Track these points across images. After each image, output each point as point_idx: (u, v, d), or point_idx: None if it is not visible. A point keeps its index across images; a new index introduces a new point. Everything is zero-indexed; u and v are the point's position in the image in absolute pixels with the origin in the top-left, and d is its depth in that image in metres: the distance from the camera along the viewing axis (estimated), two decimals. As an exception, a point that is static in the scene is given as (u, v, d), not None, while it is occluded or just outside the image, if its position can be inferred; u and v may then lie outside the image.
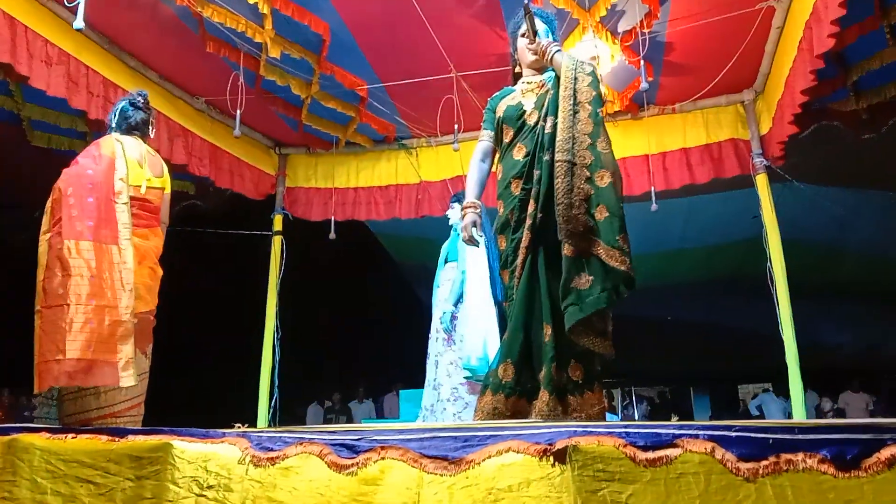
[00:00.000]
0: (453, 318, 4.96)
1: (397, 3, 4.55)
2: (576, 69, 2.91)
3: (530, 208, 2.91)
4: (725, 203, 7.11)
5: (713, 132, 5.87)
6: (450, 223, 5.32)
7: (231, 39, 4.89)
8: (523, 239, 2.91)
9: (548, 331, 2.80)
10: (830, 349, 12.16)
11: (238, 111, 5.23)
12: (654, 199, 5.83)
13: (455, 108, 5.60)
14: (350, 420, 11.08)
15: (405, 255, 10.28)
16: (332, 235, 6.69)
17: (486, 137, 3.24)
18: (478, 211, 3.13)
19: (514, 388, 2.81)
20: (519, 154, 3.03)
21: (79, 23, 3.49)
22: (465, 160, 6.32)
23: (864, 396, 10.64)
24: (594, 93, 2.88)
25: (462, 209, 3.18)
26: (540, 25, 3.15)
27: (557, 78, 2.98)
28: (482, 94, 5.62)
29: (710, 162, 5.85)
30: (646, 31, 4.69)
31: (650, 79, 5.05)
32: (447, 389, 4.81)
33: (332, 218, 6.73)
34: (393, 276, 11.44)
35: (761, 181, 5.52)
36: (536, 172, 2.93)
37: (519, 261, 2.91)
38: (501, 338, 4.81)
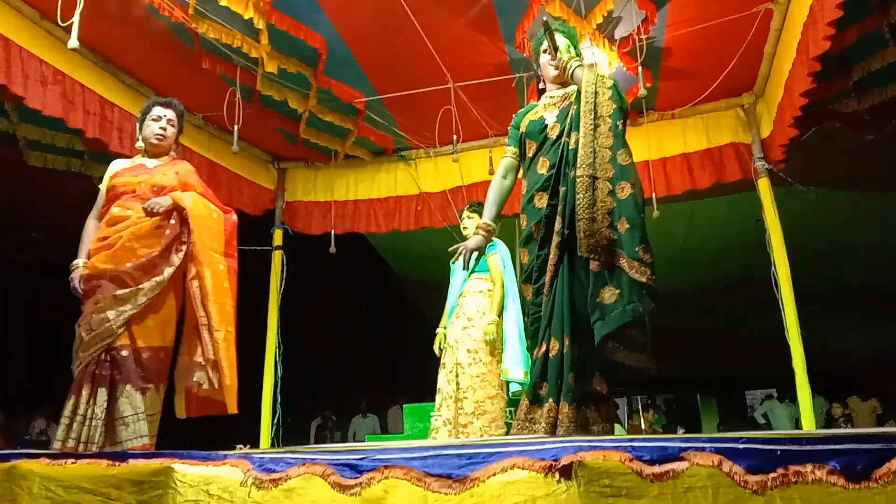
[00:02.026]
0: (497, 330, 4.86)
1: (393, 15, 4.53)
2: (596, 83, 2.92)
3: (557, 225, 2.90)
4: (728, 207, 7.08)
5: (714, 136, 5.84)
6: (464, 232, 5.29)
7: (227, 55, 4.88)
8: (552, 256, 2.90)
9: (566, 342, 2.78)
10: (838, 353, 12.07)
11: (235, 127, 5.21)
12: (655, 204, 5.80)
13: (453, 118, 5.58)
14: (345, 436, 11.01)
15: (406, 268, 10.25)
16: (333, 249, 6.65)
17: (509, 154, 3.27)
18: (487, 234, 3.14)
19: (551, 399, 2.78)
20: (543, 168, 3.04)
21: (73, 42, 3.46)
22: (464, 171, 6.32)
23: (872, 402, 10.58)
24: (615, 105, 2.88)
25: (475, 228, 3.20)
26: (561, 40, 3.16)
27: (580, 93, 2.98)
28: (480, 105, 5.63)
29: (712, 166, 5.83)
30: (643, 36, 4.68)
31: (648, 85, 5.02)
32: (471, 403, 4.71)
33: (332, 231, 6.71)
34: (394, 289, 11.41)
35: (763, 185, 5.49)
36: (562, 189, 2.93)
37: (548, 278, 2.90)
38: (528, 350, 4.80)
